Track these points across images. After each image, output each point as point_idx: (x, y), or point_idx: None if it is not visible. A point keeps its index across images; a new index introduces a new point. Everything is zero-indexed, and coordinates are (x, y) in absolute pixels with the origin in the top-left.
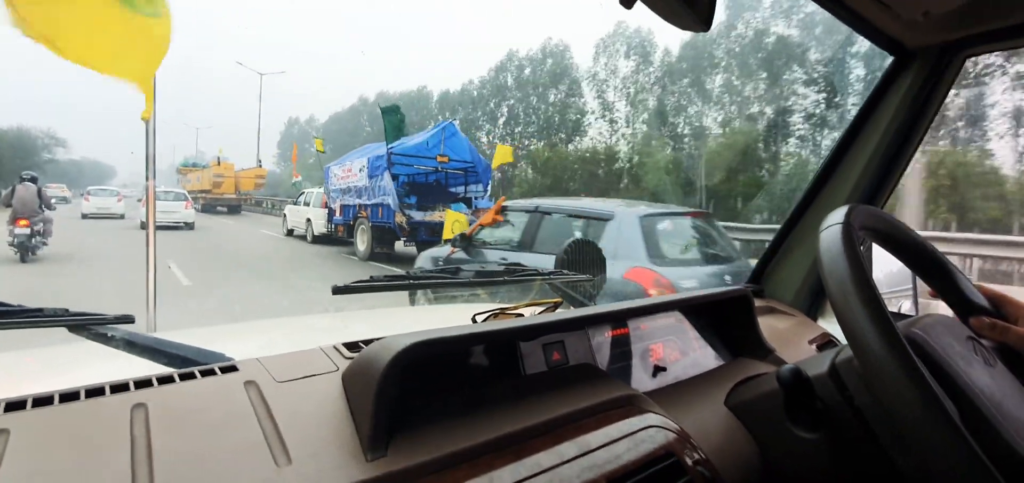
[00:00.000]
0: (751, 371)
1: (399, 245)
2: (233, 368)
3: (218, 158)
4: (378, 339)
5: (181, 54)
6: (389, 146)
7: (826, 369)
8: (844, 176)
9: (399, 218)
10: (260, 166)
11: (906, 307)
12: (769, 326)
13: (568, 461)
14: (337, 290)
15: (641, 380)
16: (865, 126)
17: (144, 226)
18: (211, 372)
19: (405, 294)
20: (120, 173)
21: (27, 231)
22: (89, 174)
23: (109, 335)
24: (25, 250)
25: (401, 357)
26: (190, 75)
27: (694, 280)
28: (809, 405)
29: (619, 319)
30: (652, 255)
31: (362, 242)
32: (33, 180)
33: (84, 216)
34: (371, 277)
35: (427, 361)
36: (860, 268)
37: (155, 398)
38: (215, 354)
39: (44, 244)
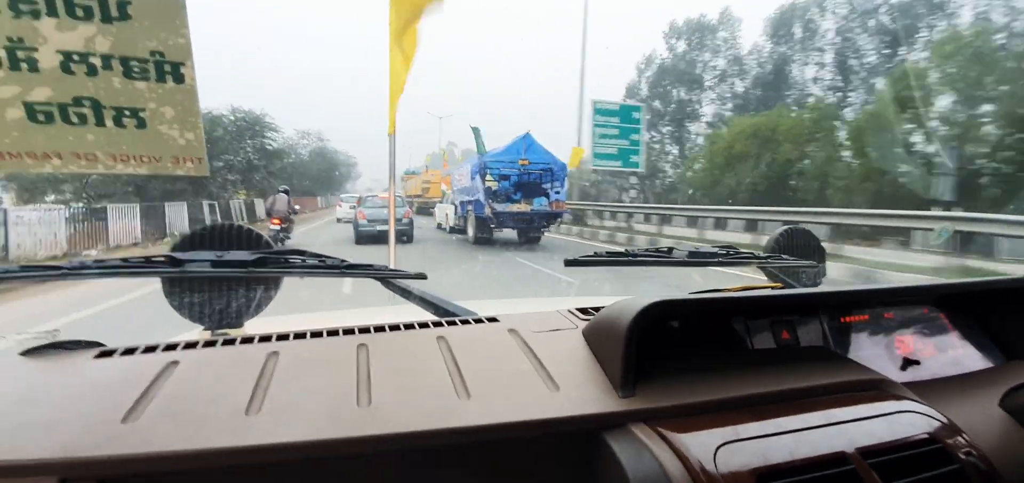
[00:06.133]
0: None
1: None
2: (495, 319)
3: (425, 166)
4: (611, 304)
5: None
6: (481, 156)
7: None
8: None
9: (487, 210)
10: None
11: None
12: None
13: (816, 427)
14: (569, 262)
15: (887, 370)
16: None
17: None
18: (480, 321)
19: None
20: (363, 176)
21: (278, 228)
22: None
23: (406, 288)
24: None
25: (649, 310)
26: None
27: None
28: None
29: (858, 304)
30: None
31: (470, 229)
32: (286, 192)
33: (338, 221)
34: (595, 253)
35: (660, 328)
36: None
37: (450, 334)
38: (472, 311)
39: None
